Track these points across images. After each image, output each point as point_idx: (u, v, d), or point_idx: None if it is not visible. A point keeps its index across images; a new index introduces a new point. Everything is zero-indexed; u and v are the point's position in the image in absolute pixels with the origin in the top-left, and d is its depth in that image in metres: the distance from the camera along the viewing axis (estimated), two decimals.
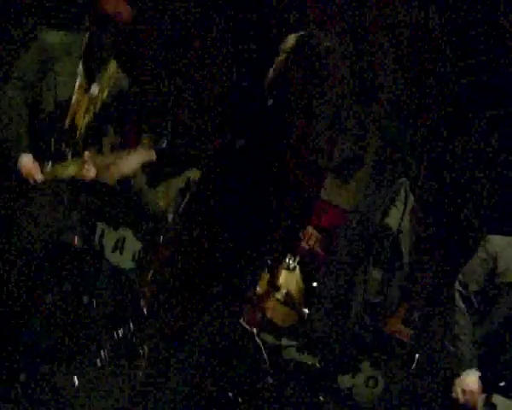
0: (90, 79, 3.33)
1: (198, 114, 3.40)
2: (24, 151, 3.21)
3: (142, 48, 5.44)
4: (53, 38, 3.32)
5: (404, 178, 3.19)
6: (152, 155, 3.21)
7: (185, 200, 3.37)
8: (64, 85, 3.28)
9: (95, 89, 3.32)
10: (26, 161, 3.19)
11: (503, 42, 4.83)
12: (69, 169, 3.24)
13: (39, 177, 3.17)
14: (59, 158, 3.26)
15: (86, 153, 3.21)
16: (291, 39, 3.07)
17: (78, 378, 3.33)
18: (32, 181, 3.19)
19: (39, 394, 3.29)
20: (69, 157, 3.28)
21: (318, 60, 3.03)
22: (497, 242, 3.15)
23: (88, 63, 3.33)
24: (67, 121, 3.30)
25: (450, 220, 4.85)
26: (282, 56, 3.04)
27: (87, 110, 3.31)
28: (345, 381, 4.45)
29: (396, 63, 5.08)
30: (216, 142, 3.12)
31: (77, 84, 3.29)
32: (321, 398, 3.83)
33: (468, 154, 4.93)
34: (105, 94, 3.34)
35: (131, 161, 3.21)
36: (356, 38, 5.11)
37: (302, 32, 3.05)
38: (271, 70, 3.02)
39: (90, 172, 3.19)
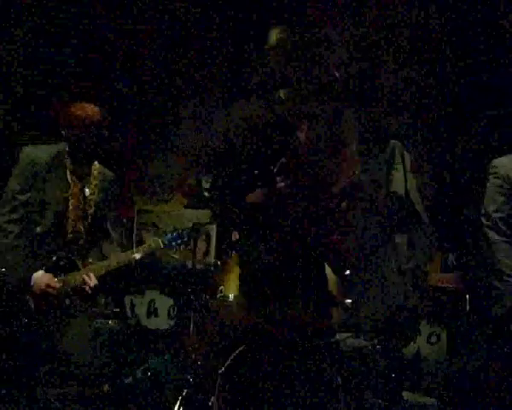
0: (80, 183, 3.52)
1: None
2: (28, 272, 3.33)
3: (142, 48, 5.44)
4: (38, 153, 3.51)
5: (394, 140, 3.16)
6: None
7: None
8: (59, 197, 3.45)
9: (87, 191, 3.52)
10: (39, 277, 3.31)
11: (503, 42, 4.83)
12: (76, 278, 3.41)
13: (57, 285, 3.31)
14: (70, 267, 3.42)
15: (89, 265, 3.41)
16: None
17: None
18: (51, 291, 3.30)
19: None
20: (80, 264, 3.43)
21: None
22: (505, 163, 3.11)
23: (74, 170, 3.52)
24: (69, 230, 3.46)
25: (449, 220, 4.85)
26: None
27: (84, 215, 3.48)
28: (409, 348, 4.51)
29: (396, 63, 5.07)
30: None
31: (70, 192, 3.48)
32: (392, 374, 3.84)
33: (468, 154, 4.93)
34: (96, 194, 3.54)
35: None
36: (356, 38, 5.10)
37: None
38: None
39: (92, 281, 3.35)
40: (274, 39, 3.01)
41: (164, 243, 3.59)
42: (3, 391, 3.47)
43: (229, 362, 3.12)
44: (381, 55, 5.10)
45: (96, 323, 4.02)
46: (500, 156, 3.22)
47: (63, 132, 3.54)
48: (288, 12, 5.18)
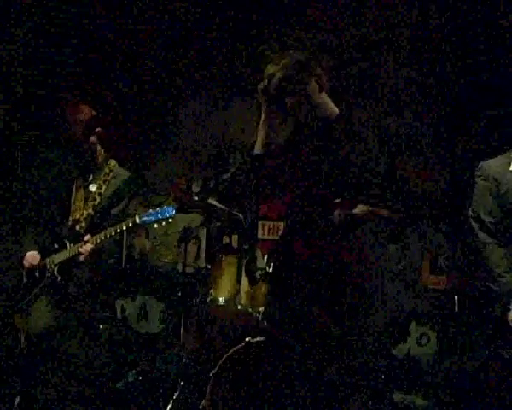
0: (85, 178, 3.90)
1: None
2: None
3: (142, 48, 5.44)
4: (53, 154, 4.03)
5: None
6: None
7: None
8: (65, 187, 3.89)
9: (92, 186, 3.87)
10: (28, 255, 3.82)
11: (503, 42, 4.83)
12: (67, 252, 3.76)
13: (36, 261, 3.78)
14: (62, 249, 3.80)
15: (87, 236, 3.69)
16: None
17: None
18: (27, 265, 3.79)
19: None
20: (68, 245, 3.78)
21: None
22: (492, 165, 3.12)
23: (83, 166, 3.91)
24: (70, 218, 3.85)
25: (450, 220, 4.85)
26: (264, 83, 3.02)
27: (86, 205, 3.84)
28: (400, 349, 4.55)
29: (396, 63, 5.08)
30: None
31: (74, 186, 3.89)
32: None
33: (468, 154, 4.93)
34: (103, 189, 3.85)
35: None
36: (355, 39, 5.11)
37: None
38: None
39: (87, 247, 3.65)
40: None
41: (141, 219, 3.65)
42: (3, 391, 3.48)
43: (220, 364, 3.12)
44: (381, 55, 5.11)
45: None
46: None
47: (69, 134, 3.85)
48: (288, 12, 5.19)
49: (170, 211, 3.61)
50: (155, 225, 3.68)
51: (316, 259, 2.94)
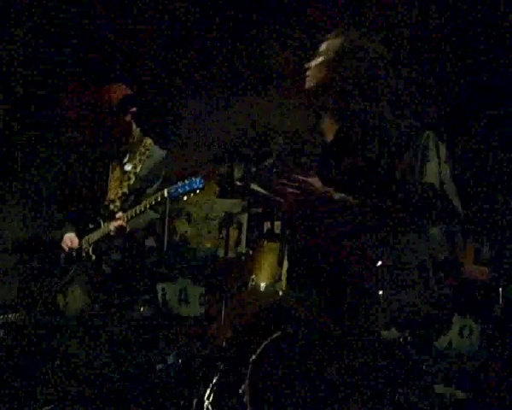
0: (121, 158, 3.94)
1: None
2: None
3: (142, 48, 5.44)
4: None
5: (429, 131, 3.06)
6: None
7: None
8: (100, 169, 3.97)
9: (128, 166, 3.88)
10: (67, 236, 3.89)
11: (503, 42, 4.83)
12: (100, 231, 3.81)
13: (75, 242, 3.84)
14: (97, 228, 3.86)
15: (119, 213, 3.75)
16: (331, 42, 2.85)
17: None
18: (73, 246, 3.84)
19: None
20: (103, 225, 3.82)
21: (370, 69, 2.85)
22: None
23: (117, 147, 3.96)
24: (106, 198, 3.91)
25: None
26: (320, 60, 2.84)
27: (121, 185, 3.87)
28: (441, 342, 4.47)
29: (396, 63, 5.07)
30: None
31: (111, 166, 3.95)
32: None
33: (468, 154, 4.93)
34: (138, 168, 3.86)
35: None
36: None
37: (342, 33, 2.87)
38: (309, 78, 2.85)
39: (117, 223, 3.69)
40: (332, 47, 2.86)
41: (169, 193, 3.61)
42: (3, 391, 3.48)
43: (260, 350, 3.09)
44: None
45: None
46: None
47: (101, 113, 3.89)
48: (288, 12, 5.18)
49: (198, 182, 3.56)
50: (185, 199, 3.60)
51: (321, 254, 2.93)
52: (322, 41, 2.92)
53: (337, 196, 2.73)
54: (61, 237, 3.91)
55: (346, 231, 2.81)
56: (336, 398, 2.86)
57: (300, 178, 2.69)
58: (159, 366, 4.11)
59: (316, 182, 2.72)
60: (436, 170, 2.83)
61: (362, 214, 2.75)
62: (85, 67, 5.29)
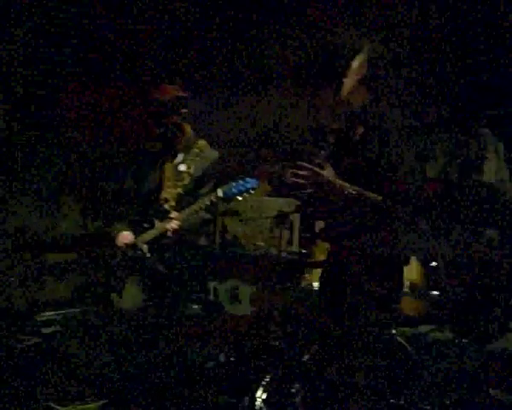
0: (174, 158, 4.01)
1: None
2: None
3: (142, 48, 5.44)
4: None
5: (485, 129, 3.01)
6: None
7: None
8: (152, 169, 4.05)
9: (181, 166, 3.96)
10: (121, 234, 3.98)
11: (503, 42, 4.83)
12: (155, 230, 3.86)
13: (129, 240, 3.90)
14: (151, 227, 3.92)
15: (173, 213, 3.82)
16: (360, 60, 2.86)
17: None
18: (122, 245, 3.90)
19: None
20: (157, 224, 3.88)
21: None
22: None
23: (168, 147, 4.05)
24: (160, 197, 3.98)
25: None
26: (352, 80, 2.85)
27: (175, 185, 3.93)
28: (496, 344, 4.39)
29: (396, 63, 5.07)
30: None
31: (165, 166, 4.01)
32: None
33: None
34: (192, 169, 3.93)
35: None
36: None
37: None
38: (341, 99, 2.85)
39: (173, 224, 3.77)
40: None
41: (224, 193, 3.65)
42: (3, 391, 3.48)
43: (314, 349, 3.08)
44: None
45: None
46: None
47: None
48: (288, 12, 5.18)
49: (253, 182, 3.59)
50: (239, 199, 3.63)
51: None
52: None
53: (352, 188, 2.73)
54: (116, 235, 3.97)
55: (346, 231, 2.81)
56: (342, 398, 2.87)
57: (314, 168, 2.68)
58: (210, 364, 4.13)
59: (330, 172, 2.71)
60: (493, 169, 2.79)
61: (362, 214, 2.75)
62: (85, 67, 5.29)
